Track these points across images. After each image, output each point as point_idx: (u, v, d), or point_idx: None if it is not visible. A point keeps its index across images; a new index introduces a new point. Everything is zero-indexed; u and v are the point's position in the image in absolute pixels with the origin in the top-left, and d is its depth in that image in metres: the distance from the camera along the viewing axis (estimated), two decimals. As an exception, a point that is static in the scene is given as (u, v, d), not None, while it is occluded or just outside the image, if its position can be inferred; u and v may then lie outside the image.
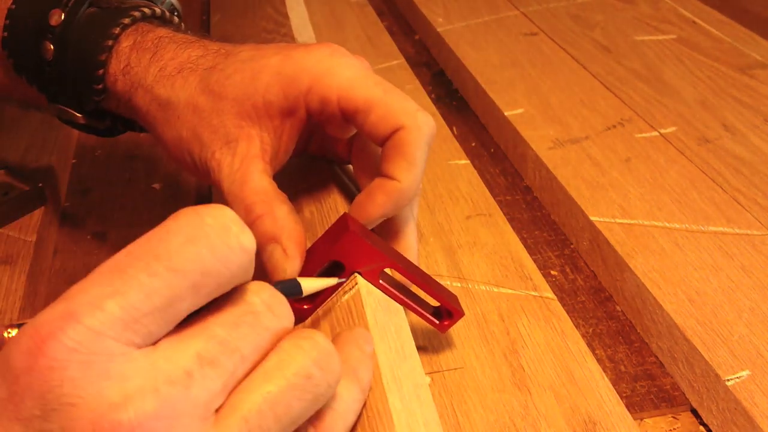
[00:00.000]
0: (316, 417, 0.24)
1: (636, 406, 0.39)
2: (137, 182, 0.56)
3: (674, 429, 0.39)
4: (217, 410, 0.21)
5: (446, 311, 0.36)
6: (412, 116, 0.34)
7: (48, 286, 0.47)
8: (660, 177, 0.53)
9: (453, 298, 0.36)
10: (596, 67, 0.68)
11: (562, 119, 0.60)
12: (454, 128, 0.64)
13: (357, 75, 0.34)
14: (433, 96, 0.69)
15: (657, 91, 0.64)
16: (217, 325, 0.22)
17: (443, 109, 0.67)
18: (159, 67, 0.37)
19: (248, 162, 0.34)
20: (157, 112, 0.37)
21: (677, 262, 0.45)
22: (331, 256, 0.32)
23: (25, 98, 0.43)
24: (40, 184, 0.51)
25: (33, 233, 0.48)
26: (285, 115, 0.35)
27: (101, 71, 0.38)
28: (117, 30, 0.38)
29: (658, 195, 0.51)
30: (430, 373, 0.38)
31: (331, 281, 0.32)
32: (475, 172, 0.55)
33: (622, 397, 0.38)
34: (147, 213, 0.53)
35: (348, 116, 0.34)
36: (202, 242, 0.21)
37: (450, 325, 0.36)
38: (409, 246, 0.37)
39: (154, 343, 0.21)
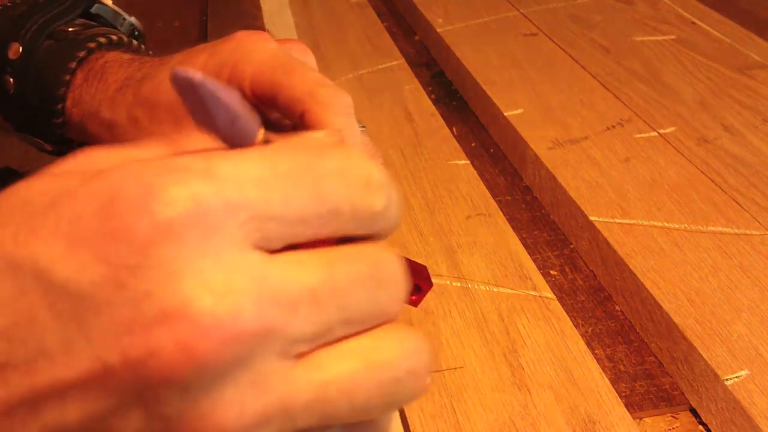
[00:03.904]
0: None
1: (635, 405, 0.40)
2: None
3: (673, 428, 0.39)
4: (298, 356, 0.18)
5: (415, 286, 0.35)
6: (311, 96, 0.31)
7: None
8: (659, 177, 0.53)
9: (420, 270, 0.34)
10: (596, 68, 0.68)
11: (562, 119, 0.60)
12: (454, 128, 0.64)
13: (264, 59, 0.32)
14: (433, 96, 0.69)
15: (656, 91, 0.64)
16: (341, 270, 0.19)
17: (443, 109, 0.67)
18: (103, 90, 0.37)
19: None
20: (106, 136, 0.37)
21: (676, 261, 0.45)
22: None
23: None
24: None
25: (34, 233, 0.48)
26: None
27: (60, 106, 0.38)
28: (73, 64, 0.38)
29: (657, 195, 0.51)
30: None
31: None
32: (475, 172, 0.56)
33: (621, 397, 0.38)
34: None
35: (265, 104, 0.33)
36: (347, 182, 0.19)
37: (420, 300, 0.34)
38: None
39: (272, 254, 0.18)
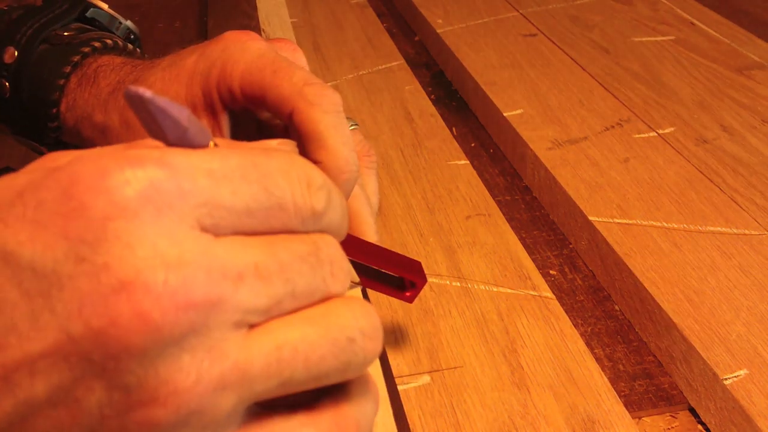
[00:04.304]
0: (332, 402, 0.22)
1: (634, 405, 0.40)
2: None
3: (672, 428, 0.39)
4: (251, 327, 0.20)
5: (409, 282, 0.35)
6: (298, 95, 0.31)
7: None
8: (658, 177, 0.53)
9: (415, 266, 0.35)
10: (595, 68, 0.68)
11: (561, 120, 0.60)
12: (454, 129, 0.64)
13: (252, 59, 0.32)
14: (432, 97, 0.70)
15: (655, 91, 0.64)
16: (282, 248, 0.20)
17: (443, 109, 0.67)
18: (95, 94, 0.37)
19: None
20: (100, 139, 0.37)
21: (675, 261, 0.45)
22: None
23: None
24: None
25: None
26: (211, 112, 0.34)
27: (55, 110, 0.39)
28: (68, 68, 0.38)
29: (656, 195, 0.51)
30: (429, 372, 0.39)
31: None
32: (475, 172, 0.56)
33: (620, 396, 0.38)
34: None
35: (254, 105, 0.33)
36: (290, 181, 0.20)
37: (414, 295, 0.35)
38: (362, 223, 0.35)
39: (218, 236, 0.20)
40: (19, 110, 0.40)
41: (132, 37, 0.45)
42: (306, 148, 0.31)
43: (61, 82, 0.38)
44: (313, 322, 0.20)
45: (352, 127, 0.39)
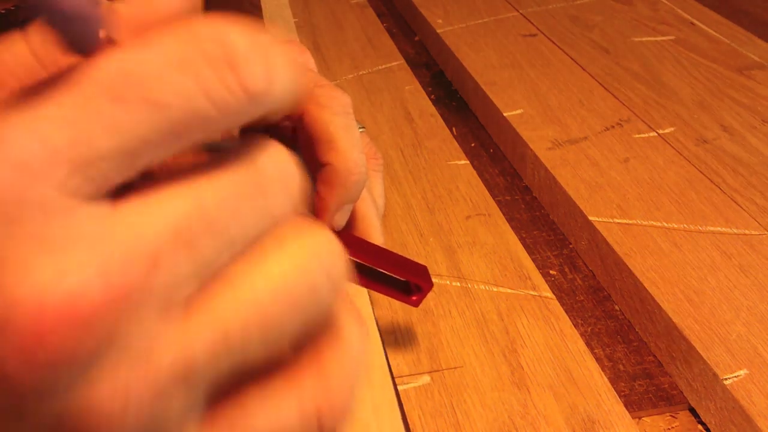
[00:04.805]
0: (315, 352, 0.18)
1: (634, 404, 0.40)
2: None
3: (672, 428, 0.39)
4: (186, 303, 0.15)
5: (415, 286, 0.34)
6: (309, 96, 0.30)
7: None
8: (658, 177, 0.53)
9: (421, 270, 0.35)
10: (595, 68, 0.68)
11: (561, 120, 0.60)
12: (454, 129, 0.64)
13: None
14: (432, 97, 0.70)
15: (655, 91, 0.64)
16: (208, 188, 0.15)
17: (443, 109, 0.67)
18: None
19: None
20: None
21: (675, 261, 0.45)
22: None
23: None
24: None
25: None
26: None
27: None
28: None
29: (656, 195, 0.51)
30: (429, 372, 0.39)
31: None
32: (475, 172, 0.56)
33: (620, 396, 0.38)
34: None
35: None
36: (193, 71, 0.14)
37: (421, 300, 0.35)
38: (369, 226, 0.34)
39: (114, 201, 0.15)
40: None
41: None
42: (316, 149, 0.31)
43: None
44: (264, 276, 0.16)
45: (360, 130, 0.39)
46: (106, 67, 0.14)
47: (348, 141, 0.30)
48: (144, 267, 0.14)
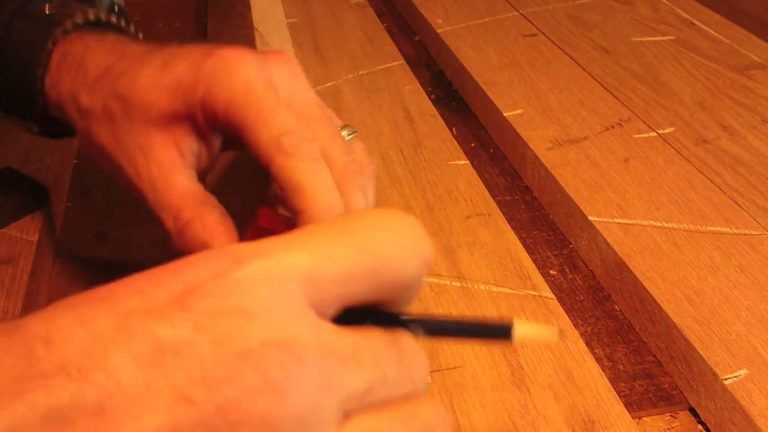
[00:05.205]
0: None
1: (634, 404, 0.40)
2: (138, 182, 0.57)
3: (672, 428, 0.39)
4: (346, 416, 0.20)
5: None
6: (275, 147, 0.31)
7: (50, 285, 0.47)
8: (658, 177, 0.53)
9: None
10: (595, 68, 0.68)
11: (561, 120, 0.60)
12: (454, 129, 0.64)
13: (237, 94, 0.31)
14: (432, 97, 0.70)
15: (655, 91, 0.64)
16: (372, 334, 0.21)
17: (443, 109, 0.67)
18: (82, 75, 0.37)
19: (168, 168, 0.33)
20: (80, 122, 0.37)
21: (675, 261, 0.45)
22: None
23: None
24: (42, 185, 0.51)
25: (35, 233, 0.48)
26: (196, 130, 0.34)
27: (39, 86, 0.38)
28: (50, 44, 0.38)
29: (656, 195, 0.51)
30: (429, 372, 0.39)
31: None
32: (475, 172, 0.56)
33: (620, 396, 0.38)
34: (148, 213, 0.53)
35: (238, 141, 0.32)
36: (391, 231, 0.21)
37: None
38: None
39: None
40: (5, 87, 0.39)
41: (116, 9, 0.44)
42: (286, 198, 0.31)
43: (44, 58, 0.38)
44: (400, 418, 0.21)
45: (351, 136, 0.38)
46: (329, 223, 0.22)
47: (317, 185, 0.31)
48: (340, 363, 0.19)
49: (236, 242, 0.31)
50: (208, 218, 0.32)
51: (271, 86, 0.32)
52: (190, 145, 0.34)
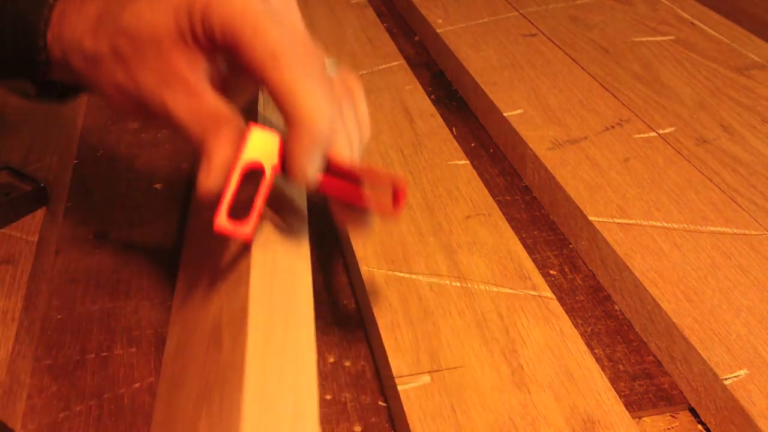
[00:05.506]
0: None
1: (634, 404, 0.40)
2: (139, 182, 0.57)
3: (672, 428, 0.39)
4: None
5: (393, 195, 0.33)
6: (271, 58, 0.32)
7: (50, 285, 0.47)
8: (658, 177, 0.53)
9: (396, 181, 0.33)
10: (595, 68, 0.68)
11: (561, 120, 0.60)
12: (454, 129, 0.64)
13: (234, 11, 0.32)
14: (432, 96, 0.70)
15: (655, 92, 0.64)
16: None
17: (443, 109, 0.67)
18: (83, 22, 0.36)
19: (193, 86, 0.33)
20: (90, 70, 0.36)
21: (675, 261, 0.45)
22: (245, 160, 0.32)
23: None
24: (42, 185, 0.51)
25: (35, 233, 0.48)
26: (201, 48, 0.34)
27: (41, 41, 0.37)
28: None
29: (656, 195, 0.51)
30: (429, 372, 0.39)
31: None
32: (475, 172, 0.56)
33: (620, 396, 0.38)
34: (148, 213, 0.53)
35: (234, 60, 0.33)
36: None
37: (400, 208, 0.33)
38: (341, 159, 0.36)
39: None
40: (4, 47, 0.39)
41: None
42: (279, 105, 0.32)
43: (45, 11, 0.37)
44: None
45: (331, 63, 0.40)
46: None
47: (307, 91, 0.32)
48: None
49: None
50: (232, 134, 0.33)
51: (268, 6, 0.33)
52: (210, 70, 0.34)
